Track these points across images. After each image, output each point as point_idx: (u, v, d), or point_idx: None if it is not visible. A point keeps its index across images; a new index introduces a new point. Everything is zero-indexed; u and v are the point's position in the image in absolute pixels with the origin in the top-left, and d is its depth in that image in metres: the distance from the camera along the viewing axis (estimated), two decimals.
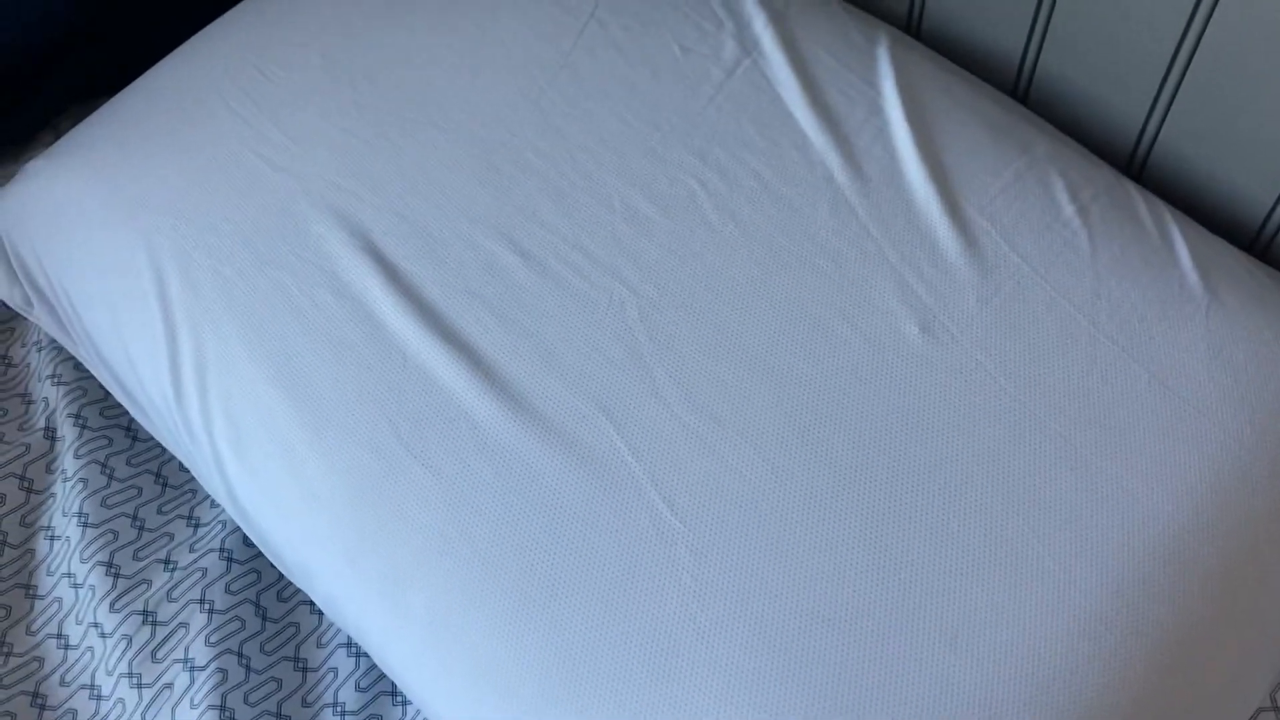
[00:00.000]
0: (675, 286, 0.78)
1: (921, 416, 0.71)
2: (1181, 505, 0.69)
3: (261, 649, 0.83)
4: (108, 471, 0.91)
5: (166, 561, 0.87)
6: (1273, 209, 0.85)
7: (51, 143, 1.10)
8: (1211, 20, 0.79)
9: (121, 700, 0.82)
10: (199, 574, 0.86)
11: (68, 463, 0.91)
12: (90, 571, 0.86)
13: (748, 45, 0.89)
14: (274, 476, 0.76)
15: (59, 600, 0.87)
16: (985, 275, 0.77)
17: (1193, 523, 0.69)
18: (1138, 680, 0.65)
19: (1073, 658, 0.65)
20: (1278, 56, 0.77)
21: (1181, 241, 0.79)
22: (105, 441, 0.92)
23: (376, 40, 0.90)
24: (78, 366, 0.96)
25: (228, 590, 0.85)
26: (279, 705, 0.81)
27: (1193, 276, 0.77)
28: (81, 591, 0.86)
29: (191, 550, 0.87)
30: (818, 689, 0.64)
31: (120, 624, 0.84)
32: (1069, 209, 0.80)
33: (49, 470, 0.92)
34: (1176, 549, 0.68)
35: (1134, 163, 0.92)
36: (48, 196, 0.90)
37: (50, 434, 0.93)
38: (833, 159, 0.82)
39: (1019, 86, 0.95)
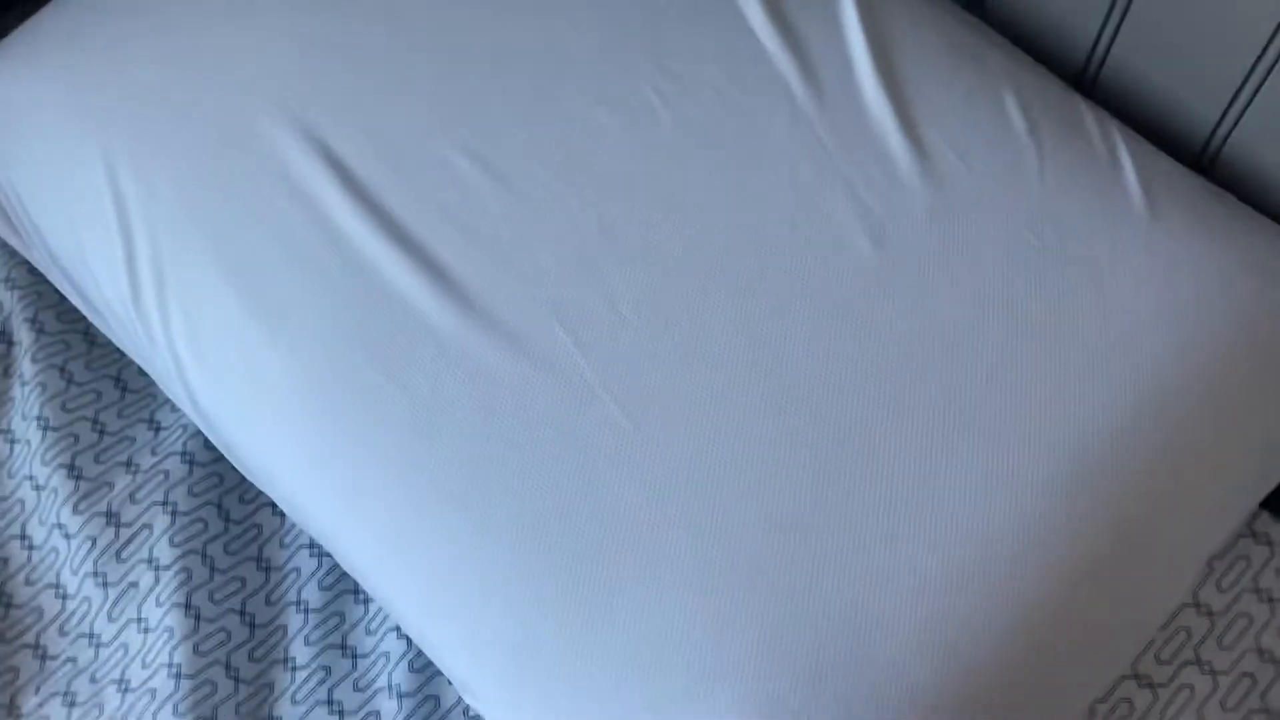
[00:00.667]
0: (632, 196, 0.78)
1: (869, 326, 0.74)
2: (1117, 409, 0.72)
3: (225, 549, 0.85)
4: (66, 376, 0.91)
5: (128, 464, 0.88)
6: (1217, 125, 0.87)
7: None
8: None
9: (88, 599, 0.84)
10: (161, 476, 0.87)
11: (25, 367, 0.91)
12: (52, 474, 0.87)
13: None
14: (234, 380, 0.77)
15: (21, 502, 0.88)
16: (935, 187, 0.78)
17: (1127, 425, 0.72)
18: (1070, 575, 0.69)
19: (1005, 552, 0.68)
20: None
21: (1128, 158, 0.81)
22: (63, 346, 0.92)
23: None
24: (32, 270, 0.95)
25: (190, 493, 0.87)
26: (243, 603, 0.83)
27: (1137, 193, 0.79)
28: (44, 494, 0.87)
29: (153, 453, 0.89)
30: (764, 592, 0.67)
31: (84, 525, 0.85)
32: (1019, 124, 0.81)
33: (6, 374, 0.92)
34: (1113, 449, 0.71)
35: (1086, 76, 0.93)
36: (1, 96, 0.89)
37: (6, 338, 0.93)
38: (790, 71, 0.83)
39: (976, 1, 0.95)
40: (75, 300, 0.89)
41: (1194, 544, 0.76)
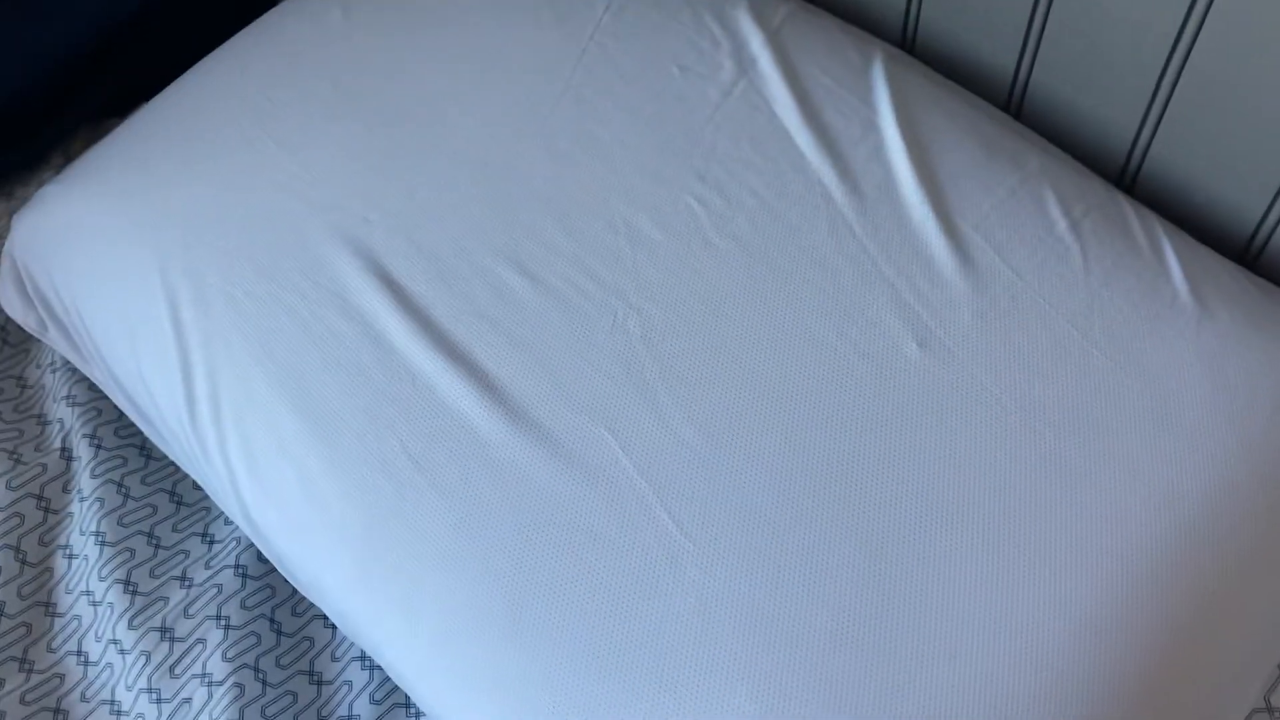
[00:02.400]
0: (677, 304, 0.79)
1: (919, 430, 0.73)
2: (1172, 514, 0.70)
3: (277, 663, 0.85)
4: (123, 490, 0.93)
5: (183, 578, 0.89)
6: (1262, 220, 0.87)
7: (63, 164, 1.12)
8: (1200, 35, 0.81)
9: (141, 715, 0.84)
10: (215, 590, 0.88)
11: (84, 482, 0.93)
12: (108, 589, 0.88)
13: (744, 64, 0.90)
14: (287, 495, 0.78)
15: (78, 618, 0.89)
16: (980, 290, 0.78)
17: (1182, 531, 0.70)
18: (1130, 685, 0.67)
19: (1068, 667, 0.66)
20: (1264, 70, 0.79)
21: (1172, 254, 0.81)
22: (120, 461, 0.94)
23: (384, 67, 0.92)
24: (92, 387, 0.97)
25: (243, 606, 0.87)
26: (295, 718, 0.83)
27: (1183, 289, 0.79)
28: (100, 609, 0.88)
29: (207, 567, 0.89)
30: (821, 702, 0.66)
31: (139, 640, 0.86)
32: (1062, 223, 0.81)
33: (65, 490, 0.94)
34: (1167, 557, 0.70)
35: (1126, 175, 0.93)
36: (62, 220, 0.92)
37: (66, 454, 0.95)
38: (829, 177, 0.84)
39: (1012, 100, 0.96)
40: (133, 416, 0.91)
41: (1263, 649, 0.74)
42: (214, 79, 0.96)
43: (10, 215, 1.08)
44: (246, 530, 0.83)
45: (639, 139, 0.87)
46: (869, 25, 1.00)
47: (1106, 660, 0.67)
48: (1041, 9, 0.88)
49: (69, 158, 1.13)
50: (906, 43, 1.00)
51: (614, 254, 0.82)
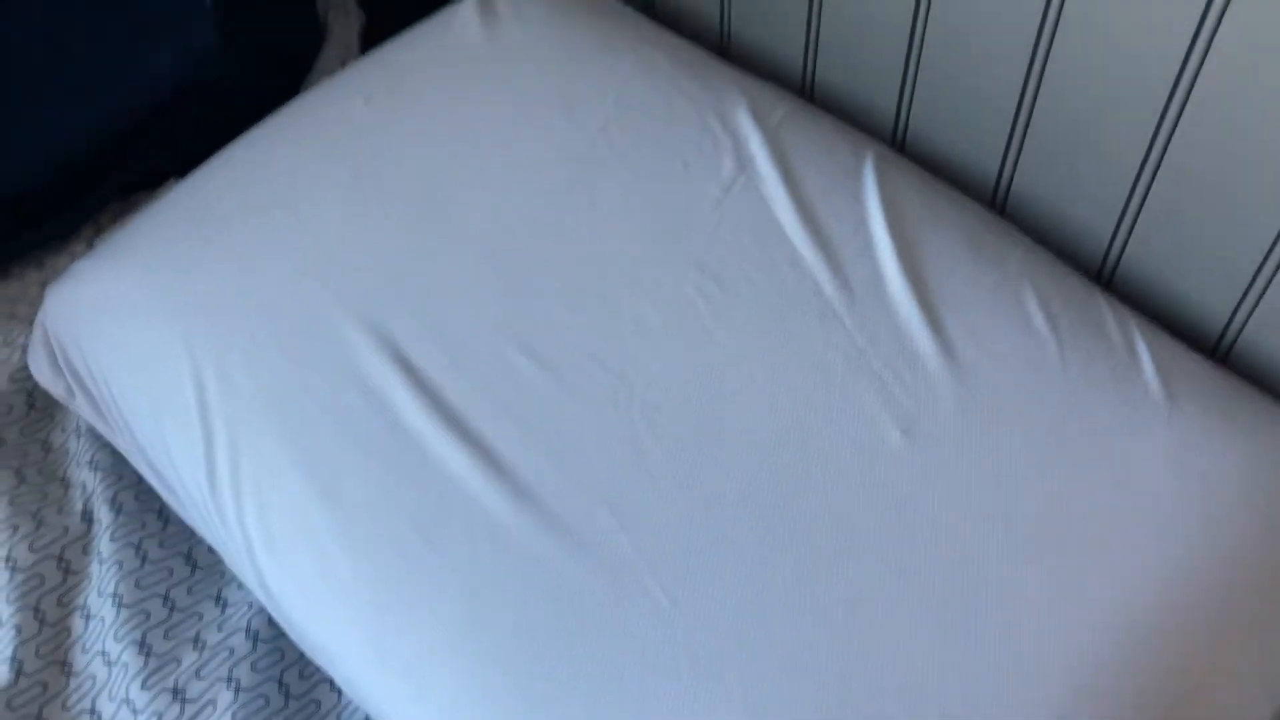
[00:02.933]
0: (675, 389, 0.84)
1: (901, 516, 0.77)
2: (1143, 600, 0.74)
3: None
4: (141, 554, 0.96)
5: (196, 640, 0.92)
6: (1231, 316, 0.92)
7: (93, 236, 1.18)
8: (1172, 140, 0.86)
9: None
10: (226, 653, 0.91)
11: (104, 545, 0.97)
12: (124, 650, 0.91)
13: (744, 161, 0.96)
14: (302, 566, 0.81)
15: (93, 677, 0.92)
16: (962, 382, 0.83)
17: (1153, 619, 0.74)
18: None
19: None
20: (1234, 174, 0.84)
21: (1145, 350, 0.86)
22: (139, 525, 0.98)
23: (404, 156, 0.97)
24: (115, 453, 1.02)
25: (253, 669, 0.90)
26: None
27: (1155, 384, 0.83)
28: (115, 669, 0.91)
29: (219, 630, 0.93)
30: None
31: (151, 701, 0.89)
32: (1040, 319, 0.86)
33: (85, 552, 0.98)
34: (1139, 642, 0.73)
35: (1104, 270, 0.98)
36: (94, 294, 0.97)
37: (88, 517, 0.99)
38: (821, 271, 0.89)
39: (997, 198, 1.02)
40: (154, 483, 0.95)
41: None
42: (242, 162, 1.02)
43: (42, 284, 1.13)
44: (261, 597, 0.86)
45: (644, 230, 0.92)
46: (862, 125, 1.06)
47: None
48: (1025, 112, 0.94)
49: (99, 230, 1.18)
50: (897, 142, 1.06)
51: (619, 339, 0.86)
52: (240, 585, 0.96)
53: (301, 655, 0.91)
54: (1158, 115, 0.86)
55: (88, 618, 0.94)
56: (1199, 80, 0.81)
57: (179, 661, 0.91)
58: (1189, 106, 0.83)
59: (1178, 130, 0.85)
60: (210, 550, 0.98)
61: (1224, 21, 0.77)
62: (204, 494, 0.87)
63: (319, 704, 0.90)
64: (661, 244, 0.91)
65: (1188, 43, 0.80)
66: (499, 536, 0.78)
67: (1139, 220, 0.93)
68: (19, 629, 0.92)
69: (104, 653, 0.92)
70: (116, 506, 0.98)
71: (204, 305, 0.92)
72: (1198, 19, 0.78)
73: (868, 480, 0.79)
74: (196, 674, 0.90)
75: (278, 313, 0.90)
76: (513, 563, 0.77)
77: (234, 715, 0.88)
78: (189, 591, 0.95)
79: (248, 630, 0.92)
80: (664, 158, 0.96)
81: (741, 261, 0.90)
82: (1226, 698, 0.75)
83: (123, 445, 0.97)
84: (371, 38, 1.29)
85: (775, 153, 0.96)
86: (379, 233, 0.93)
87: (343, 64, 1.27)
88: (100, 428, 0.99)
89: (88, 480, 1.01)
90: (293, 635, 0.86)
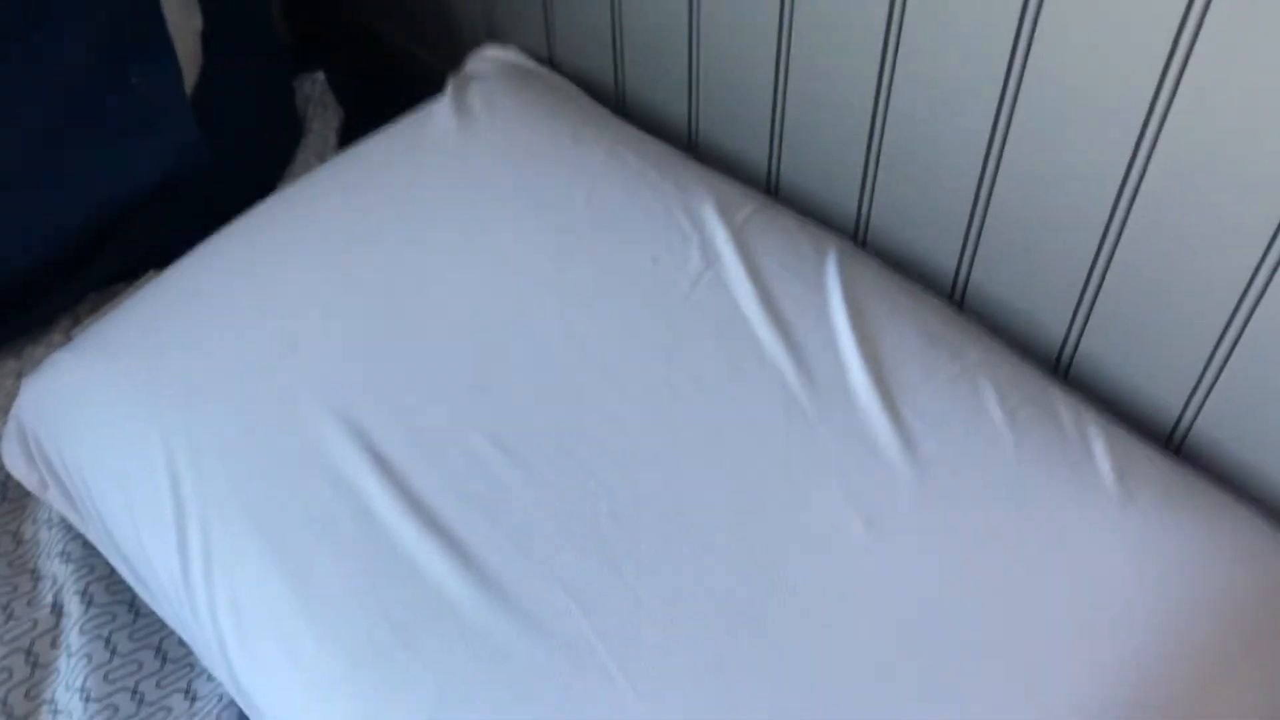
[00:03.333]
0: (642, 482, 0.86)
1: (864, 608, 0.79)
2: (1101, 693, 0.76)
3: None
4: (110, 647, 0.96)
5: None
6: (1184, 408, 0.95)
7: (70, 327, 1.19)
8: (1120, 242, 0.90)
9: None
10: None
11: (73, 638, 0.96)
12: None
13: (710, 257, 0.99)
14: (273, 659, 0.82)
15: None
16: (920, 474, 0.85)
17: (1114, 709, 0.75)
18: None
19: None
20: (1179, 272, 0.88)
21: (1100, 442, 0.88)
22: (109, 617, 0.98)
23: (379, 251, 1.00)
24: (86, 544, 1.02)
25: None
26: None
27: (1109, 475, 0.86)
28: None
29: None
30: None
31: None
32: (997, 412, 0.89)
33: (54, 645, 0.97)
34: None
35: (1060, 363, 1.01)
36: (69, 387, 0.98)
37: (57, 610, 0.99)
38: (785, 364, 0.91)
39: (955, 291, 1.05)
40: (126, 574, 0.95)
41: None
42: (220, 256, 1.04)
43: (18, 375, 1.14)
44: (231, 690, 0.86)
45: (613, 323, 0.95)
46: (825, 221, 1.09)
47: None
48: (980, 211, 0.97)
49: (77, 321, 1.19)
50: (859, 238, 1.09)
51: (586, 431, 0.88)
52: (210, 678, 0.95)
53: None
54: (1106, 215, 0.89)
55: (55, 712, 0.94)
56: (1144, 183, 0.85)
57: None
58: (1135, 209, 0.87)
59: (1125, 229, 0.89)
60: (180, 642, 0.98)
61: (1162, 132, 0.81)
62: (177, 586, 0.88)
63: None
64: (630, 337, 0.94)
65: (1131, 150, 0.84)
66: (466, 628, 0.79)
67: (1092, 315, 0.96)
68: None
69: None
70: (87, 599, 0.99)
71: (179, 398, 0.93)
72: (1138, 131, 0.82)
73: (831, 574, 0.81)
74: None
75: (252, 405, 0.91)
76: (480, 656, 0.78)
77: None
78: (158, 684, 0.95)
79: None
80: (633, 252, 0.99)
81: (708, 354, 0.92)
82: None
83: (95, 536, 0.97)
84: (350, 133, 1.32)
85: (741, 248, 0.99)
86: (353, 324, 0.95)
87: (321, 159, 1.30)
88: (72, 519, 0.99)
89: (58, 572, 1.01)
90: None
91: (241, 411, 0.91)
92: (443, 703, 0.76)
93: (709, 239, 1.00)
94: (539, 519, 0.84)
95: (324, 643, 0.80)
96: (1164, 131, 0.81)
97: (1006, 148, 0.91)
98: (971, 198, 0.97)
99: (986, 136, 0.92)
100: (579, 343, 0.93)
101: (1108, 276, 0.93)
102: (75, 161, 1.14)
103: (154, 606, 0.94)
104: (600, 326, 0.94)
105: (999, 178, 0.94)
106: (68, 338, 1.16)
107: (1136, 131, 0.83)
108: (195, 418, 0.92)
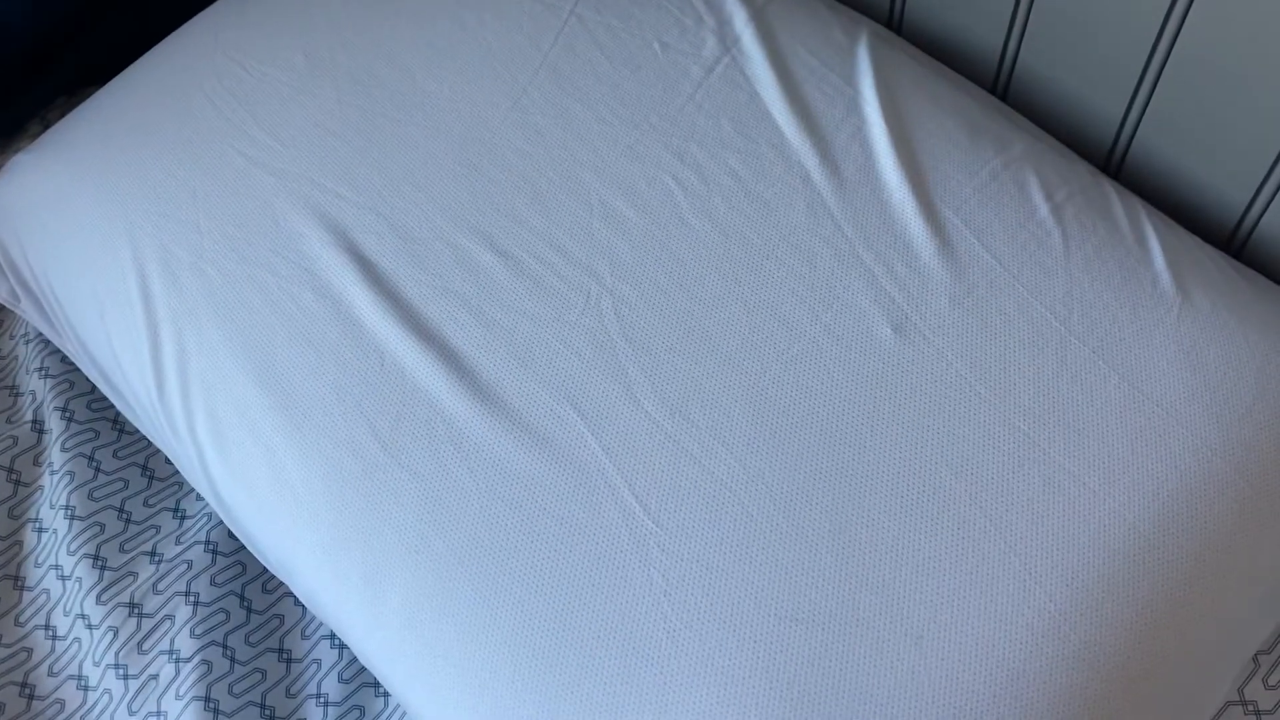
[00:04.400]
0: (650, 285, 0.78)
1: (892, 416, 0.72)
2: (1146, 506, 0.70)
3: (246, 640, 0.85)
4: (94, 464, 0.92)
5: (152, 554, 0.88)
6: (1249, 208, 0.86)
7: (39, 133, 1.11)
8: (1186, 20, 0.79)
9: (108, 691, 0.83)
10: (184, 566, 0.87)
11: (55, 455, 0.92)
12: (77, 564, 0.87)
13: (728, 42, 0.89)
14: (254, 473, 0.77)
15: (46, 591, 0.88)
16: (958, 276, 0.77)
17: (1157, 523, 0.69)
18: (1101, 678, 0.66)
19: (1037, 655, 0.66)
20: (1251, 57, 0.78)
21: (1156, 241, 0.80)
22: (92, 434, 0.93)
23: (359, 39, 0.90)
24: (64, 360, 0.97)
25: (213, 583, 0.86)
26: (263, 696, 0.83)
27: (1165, 277, 0.78)
28: (69, 583, 0.87)
29: (177, 543, 0.89)
30: (786, 686, 0.65)
31: (107, 616, 0.85)
32: (1043, 208, 0.80)
33: (36, 463, 0.93)
34: (1140, 548, 0.69)
35: (1112, 159, 0.92)
36: (33, 192, 0.91)
37: (38, 426, 0.94)
38: (809, 158, 0.83)
39: (999, 81, 0.95)
40: (105, 390, 0.90)
41: (1236, 641, 0.73)
42: (188, 49, 0.95)
43: None
44: (215, 507, 0.82)
45: (616, 116, 0.86)
46: (856, 4, 0.98)
47: (1076, 649, 0.66)
48: None
49: (46, 126, 1.11)
50: (894, 22, 0.98)
51: (588, 232, 0.81)
52: (199, 497, 0.91)
53: (264, 570, 0.88)
54: None
55: (40, 530, 0.90)
56: None
57: (135, 575, 0.87)
58: None
59: (1193, 8, 0.79)
60: (167, 461, 0.93)
61: None
62: (153, 401, 0.82)
63: (282, 618, 0.86)
64: (635, 131, 0.85)
65: None
66: (459, 440, 0.73)
67: (1149, 106, 0.87)
68: None
69: (57, 566, 0.88)
70: (68, 415, 0.94)
71: (149, 200, 0.86)
72: None
73: (856, 381, 0.74)
74: (153, 588, 0.86)
75: (224, 205, 0.84)
76: (474, 467, 0.72)
77: (192, 630, 0.84)
78: (145, 503, 0.91)
79: (207, 543, 0.88)
80: (639, 39, 0.89)
81: (723, 149, 0.84)
82: (1234, 604, 0.71)
83: (71, 350, 0.92)
84: None
85: (762, 32, 0.89)
86: (332, 119, 0.87)
87: None
88: (47, 333, 0.94)
89: (37, 388, 0.96)
90: (250, 547, 0.82)
91: (212, 212, 0.84)
92: (433, 515, 0.71)
93: (726, 21, 0.90)
94: (537, 325, 0.77)
95: (307, 457, 0.75)
96: None
97: None
98: None
99: None
100: (576, 137, 0.85)
101: (1170, 60, 0.82)
102: None
103: (134, 422, 0.89)
104: (601, 119, 0.85)
105: None
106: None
107: None
108: (165, 221, 0.85)
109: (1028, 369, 0.74)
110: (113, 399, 0.90)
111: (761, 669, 0.66)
